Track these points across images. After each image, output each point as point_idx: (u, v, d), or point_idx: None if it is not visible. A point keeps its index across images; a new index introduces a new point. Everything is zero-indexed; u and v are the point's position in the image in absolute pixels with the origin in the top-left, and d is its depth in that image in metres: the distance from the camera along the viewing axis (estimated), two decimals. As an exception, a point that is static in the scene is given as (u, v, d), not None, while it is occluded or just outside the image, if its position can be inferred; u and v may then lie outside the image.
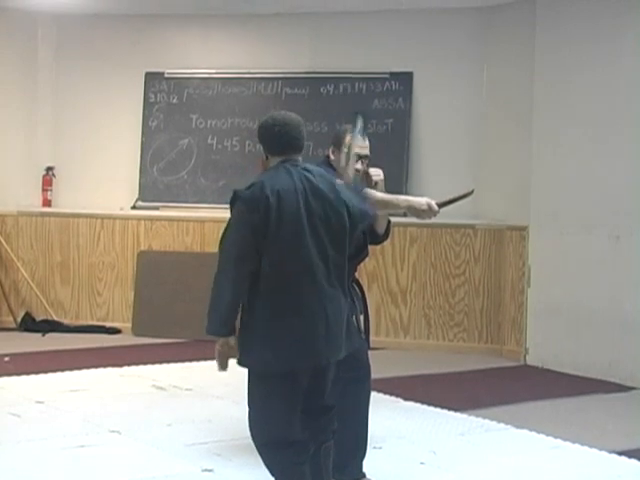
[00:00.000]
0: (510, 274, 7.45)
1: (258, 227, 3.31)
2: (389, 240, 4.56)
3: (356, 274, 4.26)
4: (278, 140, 3.47)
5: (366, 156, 4.33)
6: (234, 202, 3.38)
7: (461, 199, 4.19)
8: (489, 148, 7.72)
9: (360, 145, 4.27)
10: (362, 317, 4.26)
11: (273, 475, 3.50)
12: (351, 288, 4.10)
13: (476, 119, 7.78)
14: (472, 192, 4.23)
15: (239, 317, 3.42)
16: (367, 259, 4.33)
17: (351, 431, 4.07)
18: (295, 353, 3.36)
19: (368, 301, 4.35)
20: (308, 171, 3.45)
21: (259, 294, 3.35)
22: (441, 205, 4.13)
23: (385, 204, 4.14)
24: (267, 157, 3.53)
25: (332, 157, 4.31)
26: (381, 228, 4.32)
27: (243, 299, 3.38)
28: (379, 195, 4.16)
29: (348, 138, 4.11)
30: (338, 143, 4.28)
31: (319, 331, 3.37)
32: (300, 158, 3.53)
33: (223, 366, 3.46)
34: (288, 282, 3.35)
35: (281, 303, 3.35)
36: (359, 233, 3.69)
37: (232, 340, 3.40)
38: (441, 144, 7.90)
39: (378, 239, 4.37)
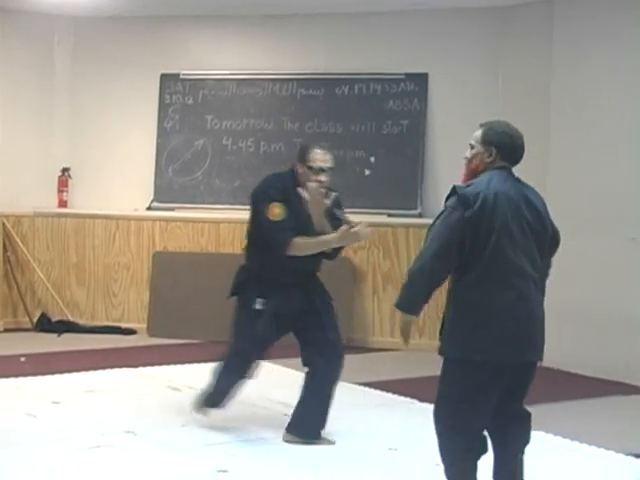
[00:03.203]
0: (526, 275, 7.41)
1: (470, 221, 3.44)
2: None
3: None
4: (516, 150, 3.75)
5: (330, 169, 4.70)
6: (450, 196, 3.54)
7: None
8: (505, 149, 7.68)
9: (321, 159, 4.67)
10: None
11: (444, 463, 3.61)
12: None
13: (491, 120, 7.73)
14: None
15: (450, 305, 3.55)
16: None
17: (313, 402, 4.72)
18: (505, 346, 3.47)
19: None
20: (520, 182, 3.68)
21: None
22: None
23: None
24: (484, 159, 3.65)
25: (299, 171, 4.69)
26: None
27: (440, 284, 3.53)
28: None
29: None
30: (301, 158, 4.70)
31: (527, 329, 3.54)
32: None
33: (406, 342, 3.63)
34: (502, 278, 3.47)
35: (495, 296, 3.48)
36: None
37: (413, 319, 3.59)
38: (456, 145, 7.78)
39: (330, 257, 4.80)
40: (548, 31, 7.16)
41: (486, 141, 3.65)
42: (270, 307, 4.69)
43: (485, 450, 3.61)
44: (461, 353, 3.51)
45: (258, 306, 4.72)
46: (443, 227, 3.47)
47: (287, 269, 4.69)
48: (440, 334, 3.63)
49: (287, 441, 4.75)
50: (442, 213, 3.52)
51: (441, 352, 3.61)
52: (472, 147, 3.69)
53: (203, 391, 5.02)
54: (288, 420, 4.80)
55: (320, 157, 4.69)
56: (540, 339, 3.63)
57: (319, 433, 4.76)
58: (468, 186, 3.52)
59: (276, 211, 4.60)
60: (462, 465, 3.58)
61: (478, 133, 3.67)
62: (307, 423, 4.76)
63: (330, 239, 4.61)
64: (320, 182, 4.66)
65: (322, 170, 4.67)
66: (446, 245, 3.44)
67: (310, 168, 4.67)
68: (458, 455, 3.57)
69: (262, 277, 4.74)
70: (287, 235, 4.58)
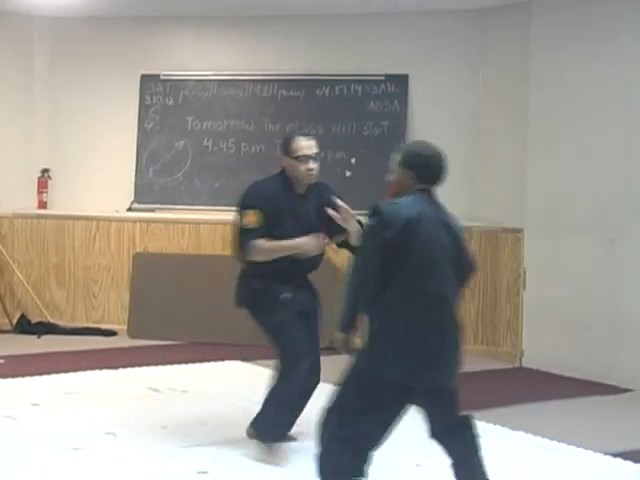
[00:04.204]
0: (505, 276, 7.46)
1: (390, 244, 3.42)
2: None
3: None
4: (434, 171, 3.61)
5: (316, 154, 4.60)
6: (371, 215, 3.50)
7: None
8: (485, 151, 7.73)
9: (306, 145, 4.56)
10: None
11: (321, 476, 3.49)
12: None
13: (472, 121, 7.79)
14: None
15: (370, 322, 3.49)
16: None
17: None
18: (413, 368, 3.45)
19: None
20: (440, 206, 3.61)
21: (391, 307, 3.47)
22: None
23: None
24: (404, 183, 3.60)
25: (285, 165, 4.57)
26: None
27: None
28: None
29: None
30: (286, 151, 4.58)
31: (439, 356, 3.51)
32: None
33: (348, 353, 3.55)
34: (420, 302, 3.46)
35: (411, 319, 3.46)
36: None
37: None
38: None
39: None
40: (526, 33, 7.20)
41: (404, 164, 3.61)
42: (295, 300, 4.55)
43: (362, 474, 3.47)
44: (368, 365, 3.45)
45: (285, 295, 4.53)
46: (364, 247, 3.51)
47: (293, 269, 4.60)
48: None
49: (249, 435, 4.66)
50: (364, 232, 3.57)
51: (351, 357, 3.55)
52: (393, 171, 3.66)
53: (264, 424, 4.64)
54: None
55: (305, 144, 4.58)
56: (451, 365, 3.60)
57: (279, 436, 4.63)
58: (390, 205, 3.51)
59: (251, 219, 4.50)
60: None
61: (397, 157, 3.64)
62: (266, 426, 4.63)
63: (295, 244, 4.49)
64: (310, 170, 4.56)
65: (309, 157, 4.57)
66: (366, 265, 3.45)
67: (297, 158, 4.56)
68: (339, 469, 3.46)
69: (274, 280, 4.57)
70: (251, 238, 4.48)
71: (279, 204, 4.56)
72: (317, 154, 4.62)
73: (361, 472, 3.47)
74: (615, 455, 4.75)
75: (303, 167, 4.57)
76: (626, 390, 6.36)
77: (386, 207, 3.48)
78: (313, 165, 4.58)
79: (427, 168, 3.59)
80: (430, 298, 3.46)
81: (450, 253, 3.54)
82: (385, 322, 3.44)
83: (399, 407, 3.49)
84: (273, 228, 4.52)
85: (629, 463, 4.65)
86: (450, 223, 3.60)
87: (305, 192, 4.67)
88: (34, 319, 8.20)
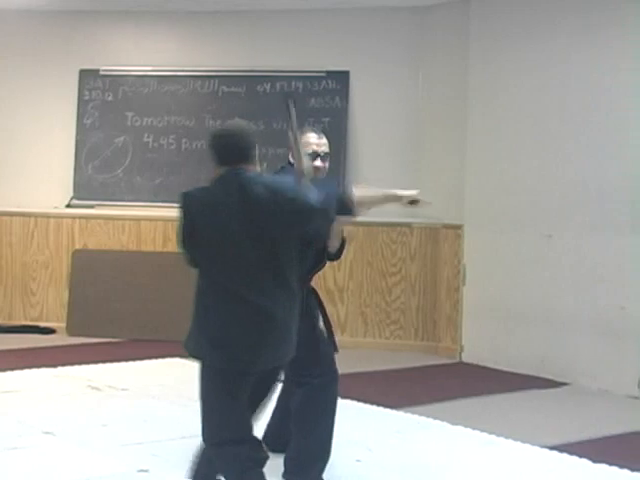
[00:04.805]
0: (445, 272, 7.53)
1: (189, 232, 3.40)
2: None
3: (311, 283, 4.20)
4: (221, 151, 3.45)
5: (326, 154, 4.22)
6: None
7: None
8: (425, 147, 7.79)
9: (316, 142, 4.18)
10: (322, 323, 4.21)
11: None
12: (309, 296, 4.09)
13: (412, 118, 7.84)
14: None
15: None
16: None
17: (315, 438, 4.05)
18: (221, 353, 3.39)
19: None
20: (248, 179, 3.40)
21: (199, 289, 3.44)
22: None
23: (370, 200, 3.79)
24: (213, 165, 3.48)
25: (291, 160, 4.14)
26: (333, 248, 4.21)
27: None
28: (359, 193, 3.74)
29: (290, 134, 3.87)
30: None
31: (257, 334, 3.37)
32: (252, 166, 3.46)
33: None
34: (215, 286, 3.39)
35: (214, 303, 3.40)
36: (314, 233, 3.58)
37: None
38: (378, 143, 7.95)
39: (330, 257, 4.28)
40: (465, 29, 7.28)
41: (208, 147, 3.52)
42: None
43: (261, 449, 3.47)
44: (192, 352, 3.49)
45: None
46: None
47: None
48: None
49: None
50: None
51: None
52: None
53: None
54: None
55: (314, 141, 4.19)
56: (269, 350, 3.41)
57: None
58: (192, 191, 3.45)
59: None
60: (249, 476, 3.42)
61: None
62: None
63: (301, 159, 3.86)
64: (317, 168, 4.14)
65: (317, 155, 4.18)
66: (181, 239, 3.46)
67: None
68: (239, 467, 3.42)
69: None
70: None
71: None
72: (327, 154, 4.25)
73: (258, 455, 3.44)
74: (551, 448, 4.82)
75: (311, 165, 4.14)
76: (562, 384, 6.47)
77: (186, 193, 3.43)
78: (320, 164, 4.20)
79: (219, 147, 3.45)
80: (222, 289, 3.37)
81: (255, 234, 3.34)
82: (198, 307, 3.44)
83: (236, 389, 3.42)
84: None
85: (565, 455, 4.72)
86: (254, 196, 3.33)
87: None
88: (-30, 317, 8.09)
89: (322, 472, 4.12)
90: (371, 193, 3.80)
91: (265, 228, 3.35)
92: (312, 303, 4.15)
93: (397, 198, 3.85)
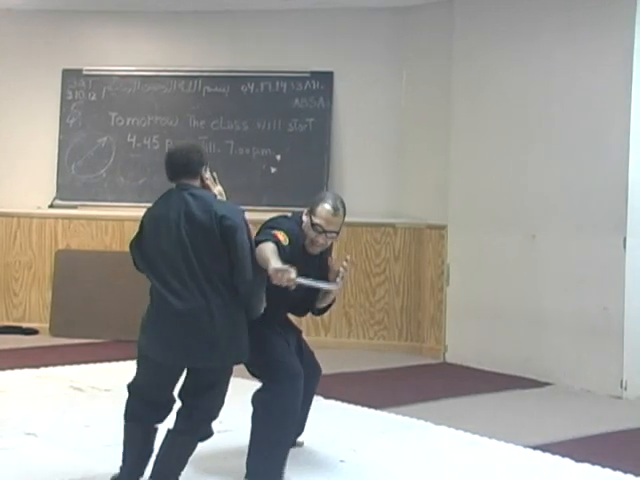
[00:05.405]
0: (429, 272, 7.54)
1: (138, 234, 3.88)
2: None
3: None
4: (167, 168, 3.90)
5: (334, 232, 4.17)
6: None
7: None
8: (409, 148, 7.79)
9: (325, 217, 4.12)
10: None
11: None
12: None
13: (396, 118, 7.85)
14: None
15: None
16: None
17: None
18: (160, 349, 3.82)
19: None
20: (192, 195, 3.78)
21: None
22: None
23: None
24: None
25: (304, 219, 4.18)
26: (323, 303, 4.36)
27: None
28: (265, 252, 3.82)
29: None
30: (311, 207, 4.17)
31: (182, 337, 3.74)
32: (196, 181, 3.87)
33: None
34: (154, 290, 3.81)
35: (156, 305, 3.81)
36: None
37: None
38: (361, 143, 7.96)
39: (314, 312, 4.45)
40: (449, 30, 7.30)
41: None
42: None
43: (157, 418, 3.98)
44: (139, 343, 3.91)
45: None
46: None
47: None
48: None
49: None
50: None
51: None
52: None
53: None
54: None
55: (325, 215, 4.11)
56: (202, 349, 3.76)
57: None
58: (152, 205, 3.93)
59: (282, 237, 4.04)
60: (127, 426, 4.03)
61: None
62: None
63: (269, 260, 3.80)
64: (317, 243, 4.16)
65: (324, 231, 4.13)
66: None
67: (313, 225, 4.14)
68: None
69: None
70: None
71: (293, 251, 4.09)
72: (336, 233, 4.20)
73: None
74: (534, 447, 4.84)
75: (313, 235, 4.16)
76: (545, 384, 6.49)
77: (150, 208, 3.90)
78: (322, 240, 4.16)
79: (167, 165, 3.91)
80: (165, 288, 3.73)
81: (196, 237, 3.71)
82: (148, 306, 3.84)
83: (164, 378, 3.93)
84: None
85: (547, 455, 4.74)
86: (194, 211, 3.74)
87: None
88: (-48, 318, 8.04)
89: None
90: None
91: (197, 241, 3.71)
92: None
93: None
